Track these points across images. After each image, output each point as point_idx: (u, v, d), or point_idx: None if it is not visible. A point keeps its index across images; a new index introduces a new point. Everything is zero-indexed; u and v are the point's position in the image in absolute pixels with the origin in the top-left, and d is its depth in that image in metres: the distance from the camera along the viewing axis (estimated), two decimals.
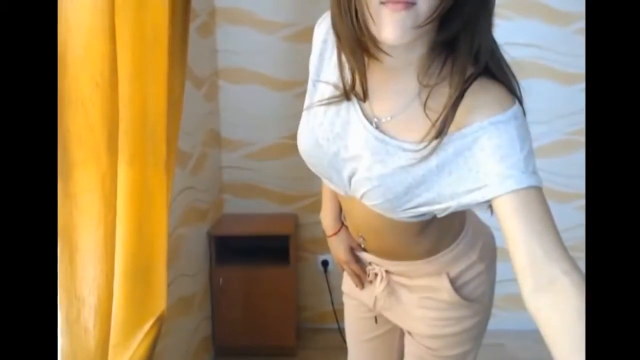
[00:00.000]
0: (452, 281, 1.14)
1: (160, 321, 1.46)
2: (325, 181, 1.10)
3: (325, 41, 1.01)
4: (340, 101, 0.95)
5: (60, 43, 1.19)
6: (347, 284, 1.35)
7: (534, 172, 0.84)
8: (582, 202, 2.75)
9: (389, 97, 0.92)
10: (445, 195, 0.89)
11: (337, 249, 1.30)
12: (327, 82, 0.99)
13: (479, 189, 0.86)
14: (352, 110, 0.95)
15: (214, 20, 2.67)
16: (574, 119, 2.68)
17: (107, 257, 1.30)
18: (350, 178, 0.98)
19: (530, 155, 0.84)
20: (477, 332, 1.22)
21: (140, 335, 1.40)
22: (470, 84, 0.86)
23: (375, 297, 1.24)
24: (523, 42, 2.64)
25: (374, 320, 1.32)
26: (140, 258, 1.37)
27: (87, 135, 1.25)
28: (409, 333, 1.24)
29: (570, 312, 0.79)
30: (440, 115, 0.85)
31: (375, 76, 0.92)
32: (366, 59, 0.90)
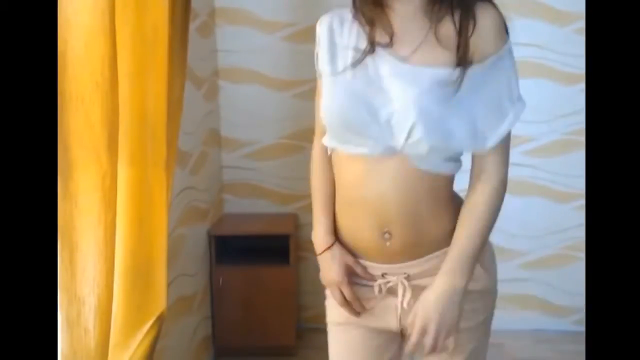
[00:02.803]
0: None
1: (160, 321, 1.46)
2: (358, 148, 1.08)
3: (330, 28, 1.14)
4: (364, 58, 1.08)
5: (61, 43, 1.19)
6: (344, 314, 1.20)
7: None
8: (582, 202, 2.75)
9: (407, 38, 1.08)
10: (475, 118, 1.06)
11: (330, 268, 1.17)
12: (346, 47, 1.11)
13: (499, 122, 1.09)
14: (377, 59, 1.08)
15: (213, 20, 2.67)
16: (574, 119, 2.68)
17: (107, 257, 1.30)
18: (389, 121, 1.05)
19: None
20: (490, 324, 1.25)
21: (140, 335, 1.40)
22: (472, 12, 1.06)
23: (401, 311, 1.14)
24: (523, 42, 2.64)
25: (386, 344, 1.21)
26: (140, 258, 1.37)
27: (87, 135, 1.25)
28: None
29: (472, 207, 1.13)
30: (459, 42, 1.04)
31: (393, 24, 1.08)
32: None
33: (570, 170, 2.72)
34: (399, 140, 1.04)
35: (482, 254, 1.17)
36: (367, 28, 1.09)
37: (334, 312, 1.23)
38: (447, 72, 1.04)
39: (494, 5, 1.08)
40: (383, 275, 1.15)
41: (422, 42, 1.07)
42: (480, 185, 1.12)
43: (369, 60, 1.08)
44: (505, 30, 1.08)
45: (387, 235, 1.11)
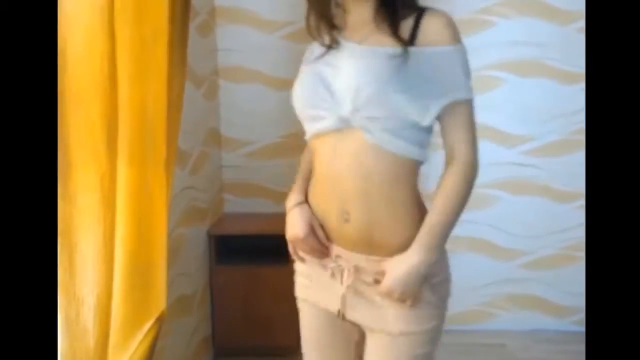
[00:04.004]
0: (428, 278, 1.20)
1: (160, 321, 1.46)
2: (318, 123, 1.20)
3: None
4: (328, 50, 1.24)
5: (61, 43, 1.19)
6: (303, 289, 1.34)
7: (472, 89, 1.19)
8: (582, 201, 2.75)
9: (359, 28, 1.22)
10: (418, 92, 1.15)
11: (297, 223, 1.26)
12: (317, 45, 1.28)
13: (444, 94, 1.16)
14: (339, 49, 1.23)
15: (213, 19, 2.67)
16: (574, 119, 2.68)
17: (107, 257, 1.30)
18: (340, 91, 1.16)
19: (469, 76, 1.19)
20: (437, 335, 1.27)
21: (139, 335, 1.40)
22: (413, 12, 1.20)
23: (343, 295, 1.23)
24: (523, 41, 2.64)
25: (334, 328, 1.30)
26: (139, 258, 1.37)
27: (87, 135, 1.25)
28: (375, 331, 1.24)
29: (442, 185, 1.21)
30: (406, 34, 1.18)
31: (351, 22, 1.25)
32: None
33: (570, 170, 2.72)
34: (347, 107, 1.14)
35: (445, 263, 1.25)
36: (329, 26, 1.25)
37: (298, 287, 1.36)
38: (392, 49, 1.16)
39: (444, 13, 1.20)
40: (336, 258, 1.23)
41: (375, 33, 1.21)
42: (449, 166, 1.21)
43: (333, 51, 1.23)
44: (454, 32, 1.18)
45: (345, 216, 1.19)
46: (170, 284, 1.91)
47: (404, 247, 1.18)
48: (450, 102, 1.16)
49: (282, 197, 3.03)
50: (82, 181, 1.26)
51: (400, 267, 1.16)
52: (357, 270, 1.21)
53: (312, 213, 1.27)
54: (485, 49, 2.63)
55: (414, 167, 1.21)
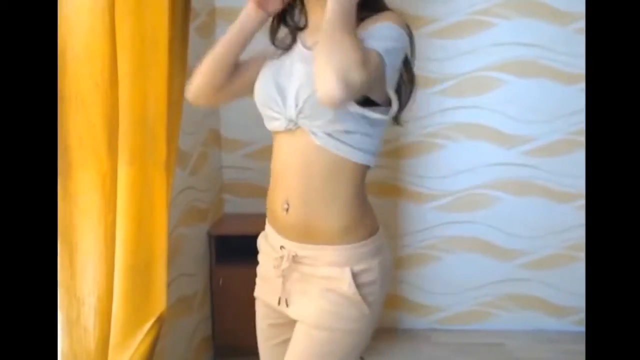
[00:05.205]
0: (354, 276, 1.21)
1: (160, 321, 1.46)
2: (273, 122, 1.26)
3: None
4: (286, 51, 1.28)
5: (61, 43, 1.19)
6: (257, 288, 1.38)
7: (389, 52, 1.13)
8: (582, 202, 2.75)
9: (316, 30, 1.21)
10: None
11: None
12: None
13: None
14: (295, 49, 1.26)
15: (213, 20, 2.67)
16: (574, 119, 2.68)
17: (107, 257, 1.31)
18: (288, 96, 1.19)
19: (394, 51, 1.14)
20: (358, 341, 1.26)
21: (140, 335, 1.40)
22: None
23: (282, 293, 1.27)
24: (523, 41, 2.64)
25: (282, 326, 1.33)
26: (140, 258, 1.37)
27: (87, 135, 1.25)
28: (298, 321, 1.26)
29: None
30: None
31: (310, 19, 1.27)
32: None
33: (570, 170, 2.72)
34: (293, 111, 1.18)
35: (382, 265, 1.25)
36: (291, 27, 1.29)
37: (255, 288, 1.39)
38: None
39: (397, 13, 1.20)
40: (281, 249, 1.26)
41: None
42: None
43: (290, 53, 1.26)
44: (398, 20, 1.16)
45: (285, 205, 1.24)
46: (171, 284, 1.91)
47: (338, 236, 1.21)
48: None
49: None
50: (82, 181, 1.26)
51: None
52: (295, 259, 1.24)
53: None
54: (485, 50, 2.63)
55: (357, 169, 1.22)
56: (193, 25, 2.15)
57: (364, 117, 1.17)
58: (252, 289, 1.39)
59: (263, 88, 1.27)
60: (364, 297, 1.22)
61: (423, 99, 2.66)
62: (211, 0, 2.64)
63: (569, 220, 2.76)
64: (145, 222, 1.38)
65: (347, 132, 1.18)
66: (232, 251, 2.61)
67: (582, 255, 2.76)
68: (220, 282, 2.54)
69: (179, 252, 2.15)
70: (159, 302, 1.45)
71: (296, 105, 1.18)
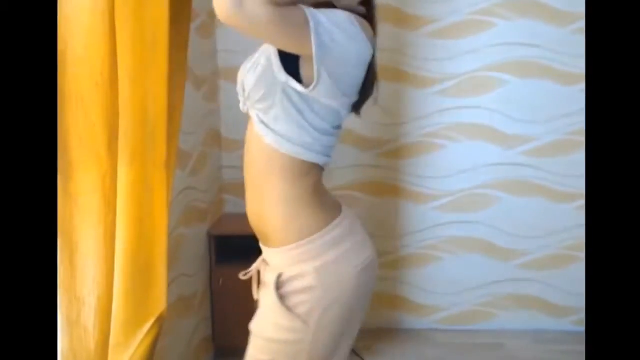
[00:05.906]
0: (280, 284, 1.14)
1: (161, 321, 1.46)
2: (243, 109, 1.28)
3: None
4: None
5: (61, 43, 1.19)
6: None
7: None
8: (582, 202, 2.75)
9: None
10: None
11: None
12: None
13: None
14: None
15: (213, 20, 2.66)
16: (574, 119, 2.68)
17: (107, 257, 1.30)
18: (244, 71, 1.21)
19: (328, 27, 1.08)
20: (299, 353, 1.16)
21: (140, 335, 1.40)
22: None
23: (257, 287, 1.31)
24: (523, 42, 2.64)
25: None
26: (140, 258, 1.37)
27: (87, 135, 1.25)
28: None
29: None
30: None
31: None
32: None
33: (570, 170, 2.72)
34: (241, 91, 1.23)
35: (324, 273, 1.15)
36: None
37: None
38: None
39: (350, 11, 1.14)
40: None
41: None
42: None
43: None
44: (348, 18, 1.10)
45: (245, 201, 1.27)
46: (171, 284, 1.91)
47: (272, 238, 1.18)
48: None
49: None
50: (82, 181, 1.26)
51: None
52: (264, 261, 1.25)
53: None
54: (485, 50, 2.63)
55: (290, 163, 1.17)
56: (193, 26, 2.15)
57: (295, 107, 1.12)
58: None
59: (241, 77, 1.27)
60: (292, 307, 1.12)
61: (423, 99, 2.66)
62: (211, 0, 2.64)
63: (569, 221, 2.77)
64: (146, 222, 1.38)
65: (276, 119, 1.15)
66: (232, 251, 2.61)
67: (582, 255, 2.76)
68: (220, 282, 2.54)
69: (179, 252, 2.15)
70: (159, 302, 1.45)
71: (242, 83, 1.20)
